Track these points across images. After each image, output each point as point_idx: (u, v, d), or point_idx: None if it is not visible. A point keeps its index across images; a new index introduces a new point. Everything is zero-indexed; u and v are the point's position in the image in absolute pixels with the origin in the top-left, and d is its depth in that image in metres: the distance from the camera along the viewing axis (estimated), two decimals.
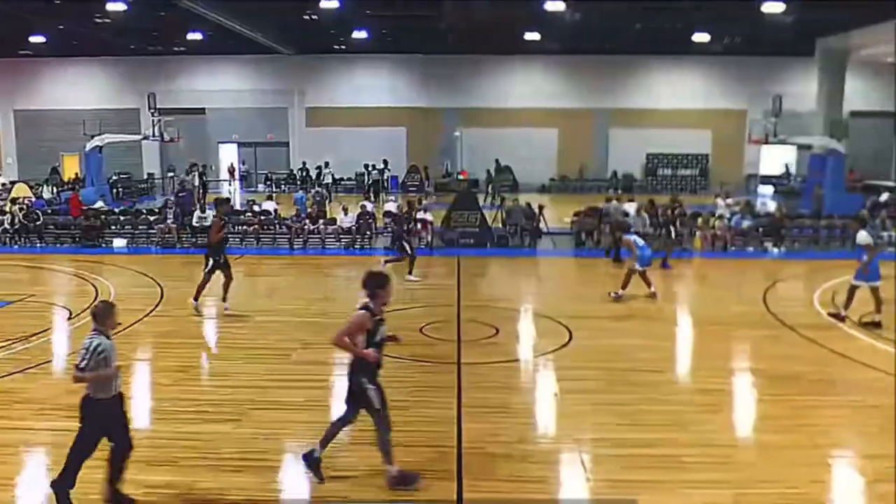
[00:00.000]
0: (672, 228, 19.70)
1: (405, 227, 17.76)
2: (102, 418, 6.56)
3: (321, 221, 21.94)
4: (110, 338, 6.67)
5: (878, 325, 12.58)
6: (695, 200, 28.13)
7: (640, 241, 15.23)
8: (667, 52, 36.09)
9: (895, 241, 15.32)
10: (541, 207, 22.28)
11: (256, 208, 23.49)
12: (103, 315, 6.68)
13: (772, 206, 26.46)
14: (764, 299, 15.08)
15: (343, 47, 36.28)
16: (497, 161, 36.07)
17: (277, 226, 22.31)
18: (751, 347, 12.26)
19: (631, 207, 22.57)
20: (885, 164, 38.54)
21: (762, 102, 33.25)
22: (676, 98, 37.73)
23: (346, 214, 22.10)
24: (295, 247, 21.35)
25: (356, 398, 7.05)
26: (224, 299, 13.68)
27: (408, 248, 17.06)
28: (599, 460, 7.77)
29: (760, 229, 21.57)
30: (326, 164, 35.14)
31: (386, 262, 16.74)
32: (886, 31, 26.35)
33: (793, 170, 38.54)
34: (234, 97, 38.41)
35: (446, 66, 37.44)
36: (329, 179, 34.61)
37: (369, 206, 23.05)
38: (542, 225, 21.95)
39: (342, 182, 37.02)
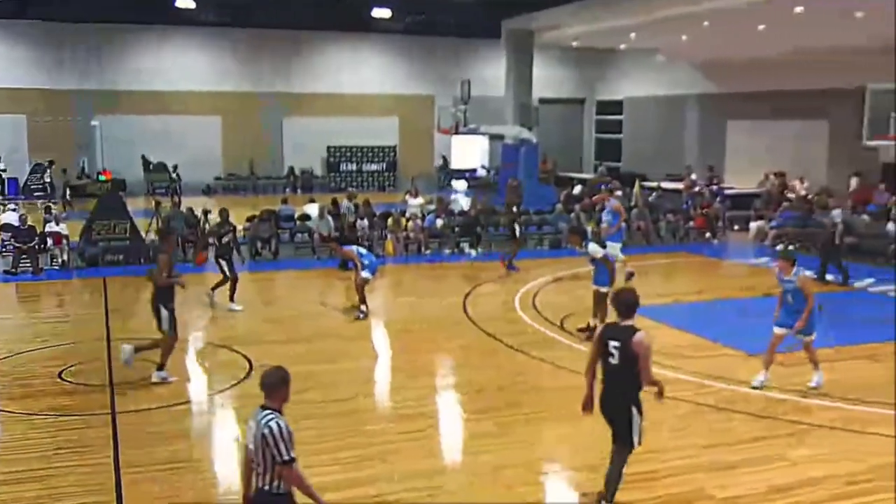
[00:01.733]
0: (517, 228, 20.69)
1: (221, 242, 16.38)
2: None
3: None
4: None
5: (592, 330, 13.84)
6: (383, 199, 29.25)
7: (363, 250, 16.28)
8: (346, 29, 37.20)
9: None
10: (206, 213, 21.97)
11: None
12: (278, 386, 6.14)
13: (465, 202, 28.23)
14: (464, 307, 16.12)
15: None
16: (144, 157, 34.79)
17: None
18: (454, 361, 13.08)
19: (312, 209, 22.96)
20: (576, 154, 43.17)
21: (451, 87, 35.49)
22: (359, 82, 39.01)
23: None
24: None
25: (619, 425, 7.48)
26: (162, 367, 11.71)
27: (225, 267, 16.04)
28: None
29: (456, 229, 22.99)
30: None
31: (213, 288, 16.20)
32: (569, 12, 29.34)
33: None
34: None
35: (77, 37, 35.27)
36: None
37: None
38: None
39: None
